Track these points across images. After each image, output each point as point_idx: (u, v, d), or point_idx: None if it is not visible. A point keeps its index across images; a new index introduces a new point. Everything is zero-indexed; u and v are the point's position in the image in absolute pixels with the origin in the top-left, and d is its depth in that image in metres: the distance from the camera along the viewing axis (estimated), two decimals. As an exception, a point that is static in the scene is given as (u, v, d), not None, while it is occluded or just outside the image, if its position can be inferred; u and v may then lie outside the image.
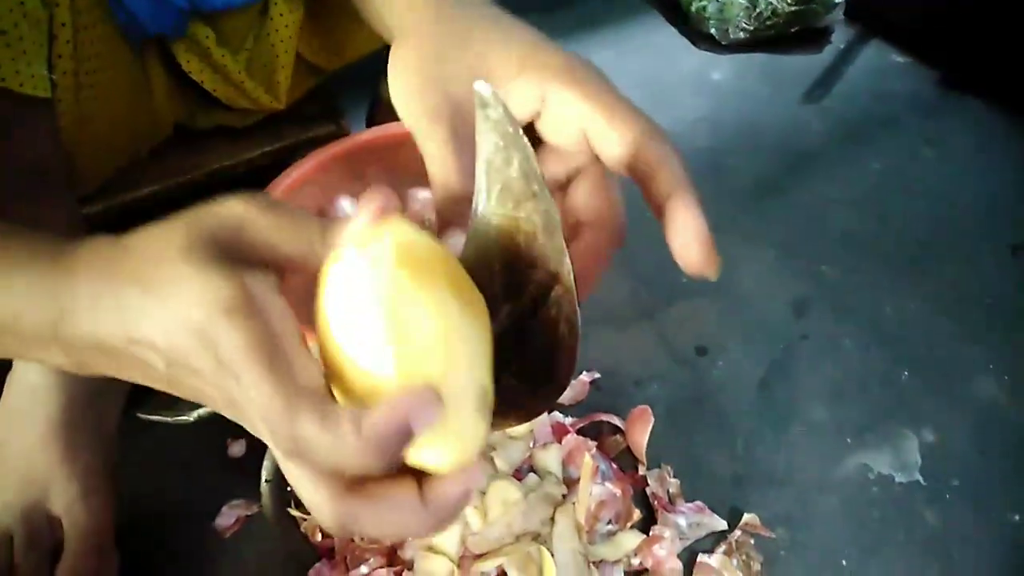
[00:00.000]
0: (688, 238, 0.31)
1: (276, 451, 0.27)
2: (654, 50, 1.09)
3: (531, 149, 0.29)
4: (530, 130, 0.36)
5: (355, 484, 0.28)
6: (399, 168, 0.78)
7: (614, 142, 0.33)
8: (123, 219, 0.76)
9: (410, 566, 0.54)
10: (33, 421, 0.55)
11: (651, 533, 0.58)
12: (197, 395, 0.28)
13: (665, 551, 0.57)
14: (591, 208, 0.35)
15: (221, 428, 0.63)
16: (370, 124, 0.92)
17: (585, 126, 0.34)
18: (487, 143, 0.30)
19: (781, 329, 0.74)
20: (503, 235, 0.31)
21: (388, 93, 0.96)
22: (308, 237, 0.29)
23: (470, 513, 0.55)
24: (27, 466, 0.54)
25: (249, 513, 0.61)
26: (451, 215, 0.34)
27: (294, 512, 0.55)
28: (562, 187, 0.39)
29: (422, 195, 0.77)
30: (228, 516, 0.60)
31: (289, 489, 0.55)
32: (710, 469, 0.64)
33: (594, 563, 0.56)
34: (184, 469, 0.63)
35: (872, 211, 0.85)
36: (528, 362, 0.33)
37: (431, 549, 0.54)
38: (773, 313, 0.75)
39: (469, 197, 0.33)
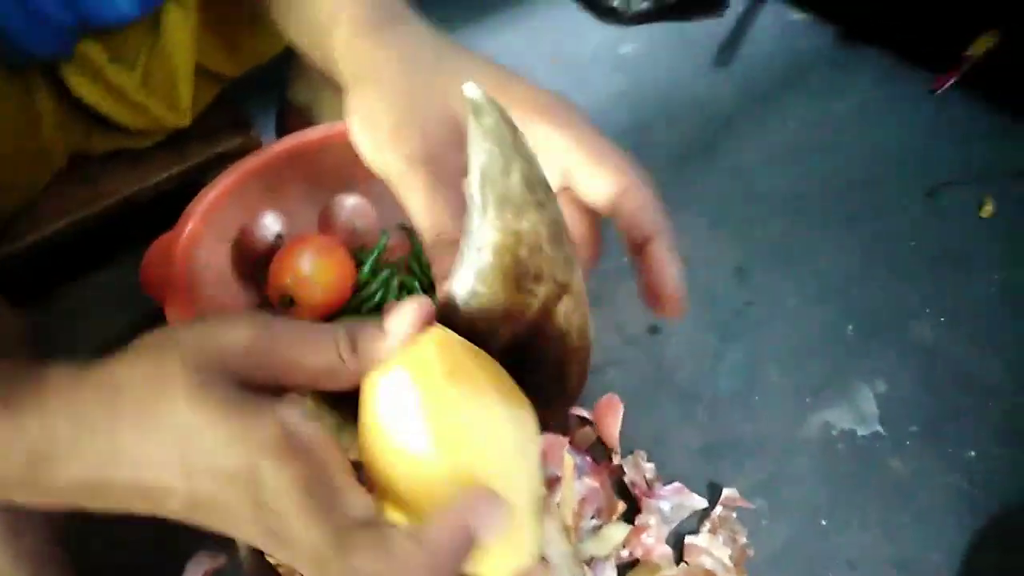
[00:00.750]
0: (661, 283, 0.33)
1: None
2: (560, 28, 1.07)
3: (534, 155, 0.28)
4: None
5: None
6: (320, 175, 0.74)
7: (600, 186, 0.34)
8: (31, 263, 0.70)
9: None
10: None
11: (636, 523, 0.58)
12: (225, 529, 0.26)
13: (653, 539, 0.57)
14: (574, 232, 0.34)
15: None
16: (281, 130, 0.87)
17: (569, 166, 0.34)
18: (481, 152, 0.28)
19: (727, 297, 0.74)
20: (503, 250, 0.29)
21: (298, 97, 0.91)
22: (332, 348, 0.28)
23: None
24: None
25: (216, 567, 0.57)
26: (448, 262, 0.32)
27: (273, 560, 0.52)
28: None
29: (349, 201, 0.74)
30: (195, 571, 0.57)
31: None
32: (681, 446, 0.64)
33: (585, 562, 0.55)
34: (137, 530, 0.58)
35: (793, 169, 0.87)
36: (537, 375, 0.31)
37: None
38: (717, 282, 0.76)
39: (457, 239, 0.31)
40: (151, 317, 0.71)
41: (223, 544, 0.57)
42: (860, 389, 0.68)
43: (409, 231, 0.76)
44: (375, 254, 0.73)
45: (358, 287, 0.71)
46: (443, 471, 0.25)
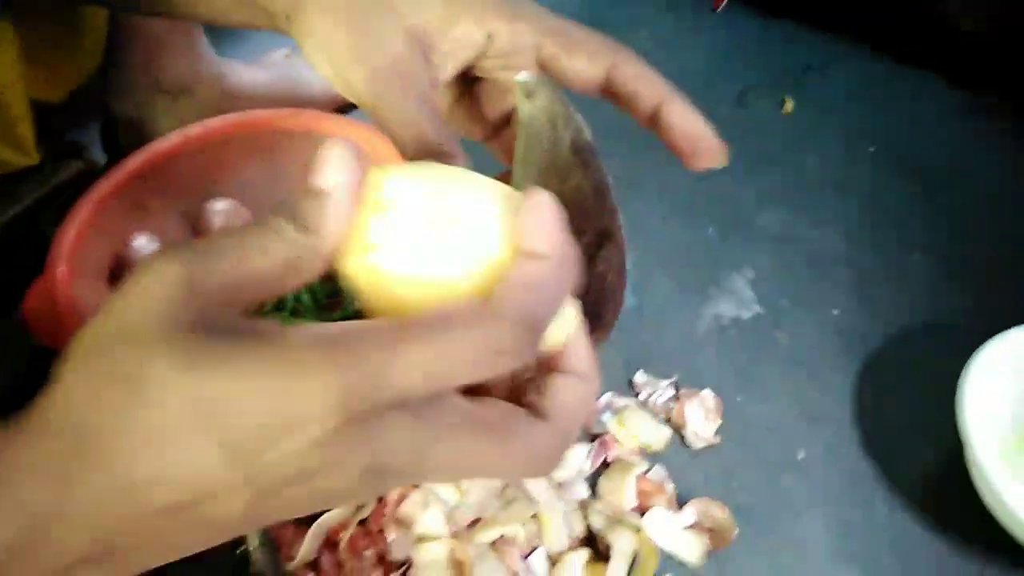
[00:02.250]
0: (695, 135, 0.35)
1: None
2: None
3: (584, 122, 0.30)
4: (465, 73, 0.36)
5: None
6: (179, 186, 0.71)
7: (589, 67, 0.35)
8: None
9: (408, 564, 0.54)
10: None
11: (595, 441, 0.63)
12: (310, 492, 0.22)
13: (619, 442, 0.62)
14: None
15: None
16: (109, 148, 0.81)
17: (544, 56, 0.36)
18: (532, 127, 0.30)
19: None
20: None
21: (121, 109, 0.86)
22: (280, 239, 0.24)
23: (443, 490, 0.55)
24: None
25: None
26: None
27: (290, 567, 0.51)
28: (500, 126, 0.40)
29: (220, 206, 0.72)
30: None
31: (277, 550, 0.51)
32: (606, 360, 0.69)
33: (560, 486, 0.59)
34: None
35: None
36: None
37: (421, 539, 0.54)
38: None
39: (447, 146, 0.33)
40: (35, 360, 0.65)
41: (211, 572, 0.55)
42: (734, 280, 0.76)
43: None
44: None
45: None
46: (467, 285, 0.24)
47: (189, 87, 0.79)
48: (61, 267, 0.61)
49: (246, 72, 0.83)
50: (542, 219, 0.24)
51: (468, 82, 0.38)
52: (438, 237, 0.24)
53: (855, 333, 0.72)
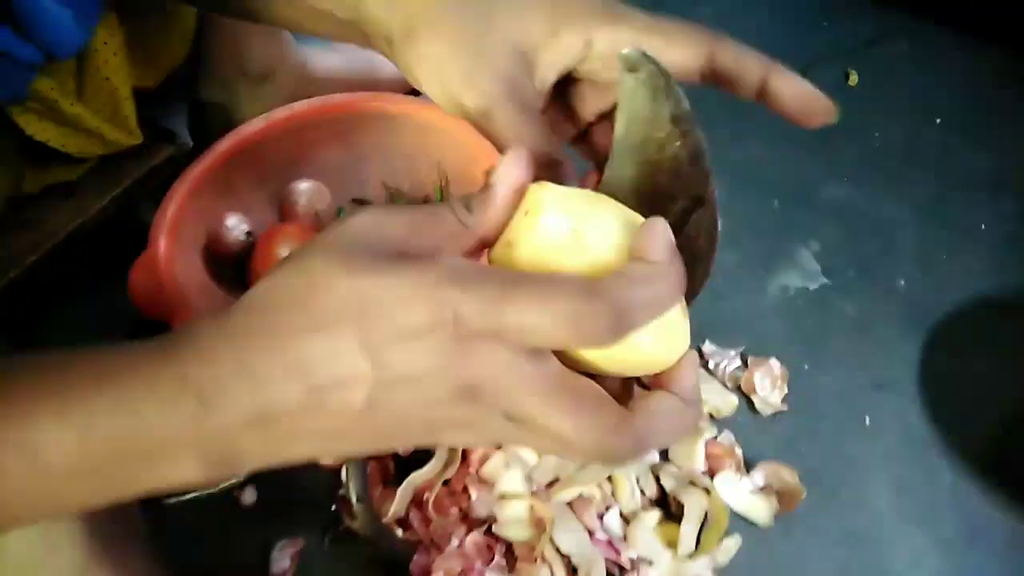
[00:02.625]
0: (805, 97, 0.38)
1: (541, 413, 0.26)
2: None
3: (683, 93, 0.33)
4: (568, 77, 0.38)
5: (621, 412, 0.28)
6: (266, 167, 0.75)
7: (686, 57, 0.37)
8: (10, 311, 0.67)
9: (491, 521, 0.57)
10: (58, 553, 0.49)
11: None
12: (420, 402, 0.26)
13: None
14: None
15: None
16: (195, 131, 0.86)
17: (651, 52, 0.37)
18: (633, 100, 0.33)
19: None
20: (642, 180, 0.34)
21: (212, 95, 0.90)
22: (450, 215, 0.29)
23: (523, 451, 0.59)
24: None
25: (297, 548, 0.59)
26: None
27: (385, 520, 0.55)
28: (592, 124, 0.42)
29: (304, 187, 0.75)
30: (282, 559, 0.59)
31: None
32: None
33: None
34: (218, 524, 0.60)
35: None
36: None
37: (503, 497, 0.57)
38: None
39: (555, 155, 0.35)
40: (138, 331, 0.70)
41: (307, 528, 0.60)
42: (800, 252, 0.78)
43: (363, 203, 0.78)
44: None
45: None
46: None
47: (272, 73, 0.82)
48: (162, 243, 0.65)
49: (323, 56, 0.87)
50: (655, 233, 0.28)
51: (562, 83, 0.40)
52: (565, 243, 0.28)
53: (921, 303, 0.73)
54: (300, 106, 0.75)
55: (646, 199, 0.34)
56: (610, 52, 0.37)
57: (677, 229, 0.35)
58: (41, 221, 0.71)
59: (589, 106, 0.41)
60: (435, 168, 0.74)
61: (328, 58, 0.87)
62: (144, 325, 0.68)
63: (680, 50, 0.37)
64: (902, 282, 0.75)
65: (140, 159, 0.75)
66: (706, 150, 0.35)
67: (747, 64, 0.37)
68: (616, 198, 0.33)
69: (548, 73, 0.38)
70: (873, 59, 0.96)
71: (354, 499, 0.52)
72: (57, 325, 0.73)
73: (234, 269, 0.72)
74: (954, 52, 0.96)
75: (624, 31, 0.36)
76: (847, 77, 0.93)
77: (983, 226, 0.79)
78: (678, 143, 0.34)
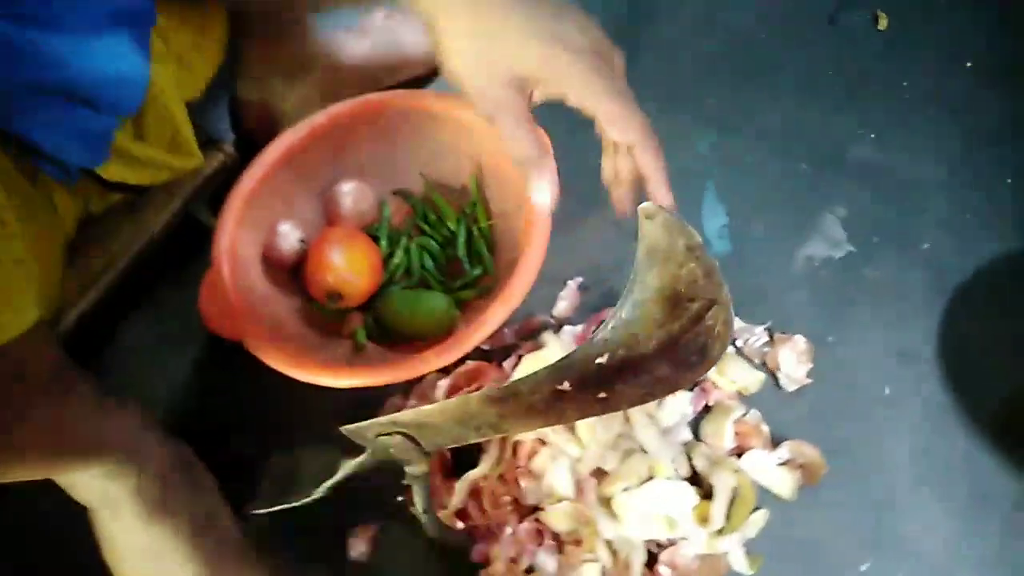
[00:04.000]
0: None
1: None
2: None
3: (696, 235, 0.38)
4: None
5: None
6: (309, 172, 0.79)
7: (618, 136, 0.54)
8: (71, 343, 0.73)
9: (540, 507, 0.64)
10: (169, 574, 0.58)
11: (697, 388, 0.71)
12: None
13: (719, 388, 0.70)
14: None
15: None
16: (238, 130, 0.89)
17: (598, 120, 0.54)
18: (650, 237, 0.38)
19: (697, 171, 0.84)
20: (663, 286, 0.41)
21: (250, 94, 0.94)
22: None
23: (565, 443, 0.65)
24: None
25: (372, 533, 0.68)
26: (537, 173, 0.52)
27: (442, 514, 0.63)
28: None
29: (347, 188, 0.79)
30: (359, 543, 0.67)
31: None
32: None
33: (666, 431, 0.68)
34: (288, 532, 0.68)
35: (708, 31, 0.95)
36: (687, 354, 0.43)
37: (550, 497, 0.64)
38: (684, 160, 0.85)
39: (543, 159, 0.52)
40: (210, 347, 0.77)
41: (378, 515, 0.68)
42: (826, 218, 0.80)
43: (404, 194, 0.82)
44: (385, 227, 0.79)
45: (385, 262, 0.78)
46: None
47: (305, 67, 0.85)
48: (225, 265, 0.71)
49: (351, 43, 0.88)
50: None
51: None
52: None
53: (944, 268, 0.76)
54: (339, 108, 0.78)
55: (670, 301, 0.41)
56: (578, 104, 0.53)
57: (698, 319, 0.41)
58: (108, 240, 0.77)
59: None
60: (471, 162, 0.77)
61: (357, 45, 0.89)
62: (216, 342, 0.75)
63: (616, 133, 0.53)
64: (926, 245, 0.77)
65: (195, 171, 0.80)
66: (717, 267, 0.39)
67: (646, 173, 0.55)
68: (643, 299, 0.42)
69: (535, 99, 0.56)
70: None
71: (420, 510, 0.59)
72: (131, 340, 0.80)
73: (289, 274, 0.78)
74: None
75: (589, 98, 0.52)
76: (876, 20, 0.92)
77: (1009, 180, 0.80)
78: (693, 264, 0.39)
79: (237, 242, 0.73)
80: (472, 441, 0.53)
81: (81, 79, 0.55)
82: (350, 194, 0.79)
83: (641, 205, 0.43)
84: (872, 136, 0.84)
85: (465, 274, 0.77)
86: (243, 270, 0.73)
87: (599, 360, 0.44)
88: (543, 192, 0.52)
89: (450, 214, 0.79)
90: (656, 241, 0.42)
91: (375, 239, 0.79)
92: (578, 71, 0.50)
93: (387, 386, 0.72)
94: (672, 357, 0.42)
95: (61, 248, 0.69)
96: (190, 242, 0.81)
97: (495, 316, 0.65)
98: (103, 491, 0.55)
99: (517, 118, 0.51)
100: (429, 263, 0.78)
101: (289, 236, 0.76)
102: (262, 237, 0.76)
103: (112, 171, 0.66)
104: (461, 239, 0.78)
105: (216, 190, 0.81)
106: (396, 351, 0.74)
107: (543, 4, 0.51)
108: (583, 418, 0.49)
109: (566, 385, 0.45)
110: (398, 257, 0.78)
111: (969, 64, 0.88)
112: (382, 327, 0.75)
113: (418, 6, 0.52)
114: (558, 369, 0.45)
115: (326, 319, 0.76)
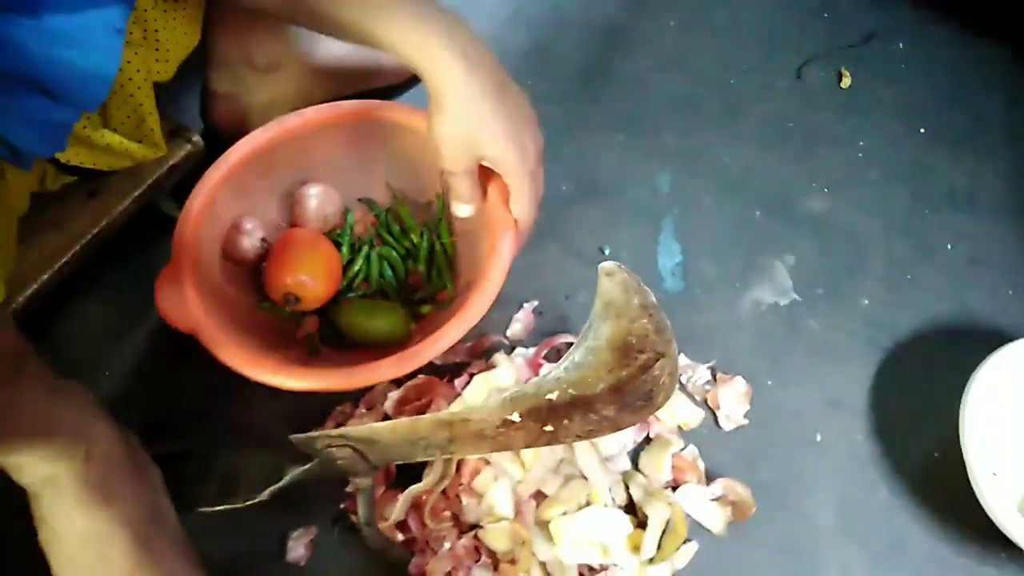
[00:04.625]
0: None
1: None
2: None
3: (651, 294, 0.40)
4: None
5: None
6: (275, 171, 0.79)
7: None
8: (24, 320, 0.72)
9: (479, 525, 0.66)
10: (108, 560, 0.57)
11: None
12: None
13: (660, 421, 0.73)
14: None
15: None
16: (206, 120, 0.89)
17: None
18: (608, 293, 0.40)
19: (655, 208, 0.87)
20: (615, 337, 0.43)
21: (221, 85, 0.93)
22: None
23: (509, 464, 0.67)
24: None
25: (311, 537, 0.68)
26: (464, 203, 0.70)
27: (382, 526, 0.64)
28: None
29: (314, 191, 0.80)
30: (298, 547, 0.68)
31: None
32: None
33: (607, 459, 0.70)
34: (227, 534, 0.68)
35: (680, 69, 0.97)
36: (634, 398, 0.45)
37: (491, 515, 0.66)
38: (645, 196, 0.87)
39: (481, 210, 0.71)
40: (162, 338, 0.77)
41: (317, 521, 0.68)
42: (775, 266, 0.83)
43: (370, 203, 0.83)
44: (348, 234, 0.80)
45: (344, 268, 0.78)
46: None
47: (279, 63, 0.85)
48: (185, 257, 0.71)
49: (328, 45, 0.89)
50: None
51: None
52: None
53: (881, 323, 0.80)
54: (311, 112, 0.78)
55: (620, 351, 0.43)
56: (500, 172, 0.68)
57: (646, 369, 0.43)
58: (66, 221, 0.76)
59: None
60: (438, 177, 0.79)
61: (333, 47, 0.89)
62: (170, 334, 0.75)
63: (515, 207, 0.68)
64: (866, 301, 0.81)
65: (160, 159, 0.79)
66: (668, 326, 0.42)
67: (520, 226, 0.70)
68: (596, 346, 0.43)
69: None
70: (868, 58, 0.98)
71: (362, 521, 0.60)
72: (81, 324, 0.79)
73: (248, 272, 0.78)
74: (949, 52, 0.99)
75: (513, 178, 0.67)
76: (840, 78, 0.96)
77: (950, 246, 0.84)
78: (646, 320, 0.41)
79: (199, 236, 0.73)
80: (419, 459, 0.54)
81: (44, 69, 0.54)
82: (316, 197, 0.79)
83: (602, 265, 0.46)
84: (825, 190, 0.88)
85: (424, 288, 0.78)
86: (202, 264, 0.73)
87: (549, 396, 0.45)
88: (463, 211, 0.71)
89: (414, 227, 0.80)
90: (613, 297, 0.44)
91: (337, 245, 0.79)
92: (515, 159, 0.66)
93: (336, 393, 0.73)
94: (618, 400, 0.45)
95: (13, 224, 0.68)
96: (151, 231, 0.81)
97: (452, 331, 0.66)
98: (47, 473, 0.55)
99: (472, 182, 0.69)
100: (388, 273, 0.79)
101: (252, 234, 0.76)
102: (223, 233, 0.76)
103: (70, 155, 0.66)
104: (423, 252, 0.79)
105: (181, 180, 0.80)
106: (349, 358, 0.74)
107: (507, 95, 0.65)
108: (529, 447, 0.51)
109: (516, 416, 0.47)
110: (358, 264, 0.79)
111: (923, 130, 0.92)
112: (337, 333, 0.76)
113: (428, 84, 0.63)
114: (510, 401, 0.47)
115: (281, 321, 0.76)
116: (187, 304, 0.68)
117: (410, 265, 0.80)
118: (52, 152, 0.60)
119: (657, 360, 0.44)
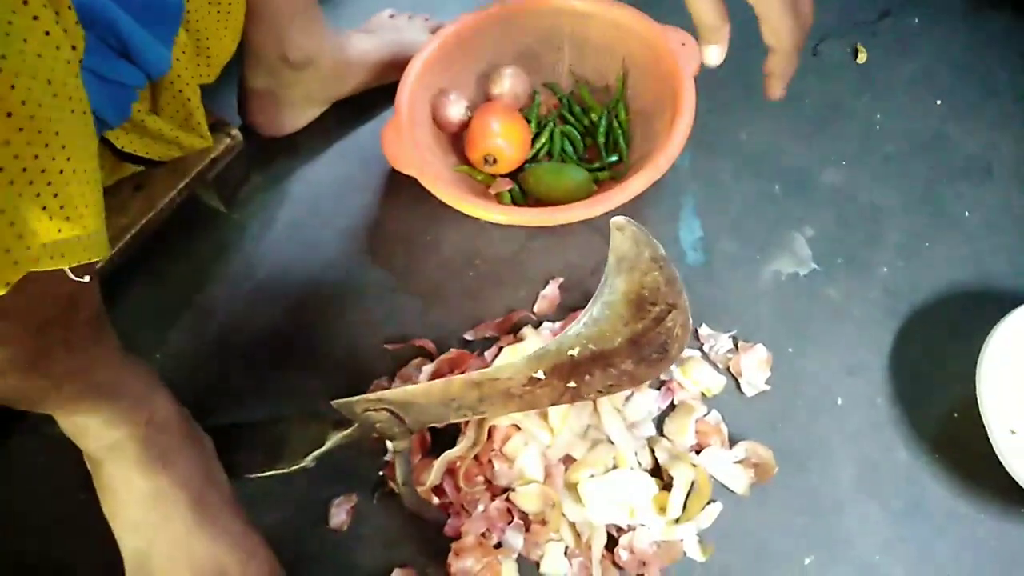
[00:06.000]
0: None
1: None
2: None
3: (660, 247, 0.43)
4: None
5: None
6: (475, 53, 0.91)
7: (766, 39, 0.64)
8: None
9: (510, 488, 0.69)
10: (169, 520, 0.62)
11: (663, 388, 0.76)
12: None
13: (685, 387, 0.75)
14: None
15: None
16: (244, 113, 0.93)
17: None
18: (620, 247, 0.43)
19: (676, 185, 0.89)
20: (629, 290, 0.45)
21: (257, 82, 0.98)
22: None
23: (538, 430, 0.70)
24: (188, 559, 0.61)
25: (352, 504, 0.72)
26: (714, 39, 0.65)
27: (420, 490, 0.67)
28: None
29: (508, 72, 0.91)
30: (339, 513, 0.72)
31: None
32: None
33: (632, 425, 0.73)
34: (274, 501, 0.72)
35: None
36: (649, 351, 0.47)
37: (522, 479, 0.69)
38: (665, 174, 0.90)
39: (722, 26, 0.65)
40: (202, 322, 0.81)
41: (356, 487, 0.72)
42: (794, 238, 0.85)
43: (553, 87, 0.95)
44: (535, 112, 0.92)
45: (532, 141, 0.89)
46: None
47: (313, 60, 0.89)
48: (404, 113, 0.82)
49: (358, 40, 0.93)
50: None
51: None
52: None
53: (899, 291, 0.81)
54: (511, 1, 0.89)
55: (635, 304, 0.46)
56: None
57: (659, 321, 0.46)
58: (113, 214, 0.81)
59: None
60: (620, 61, 0.88)
61: (363, 41, 0.93)
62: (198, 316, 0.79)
63: (765, 32, 0.64)
64: (884, 270, 0.83)
65: (200, 153, 0.83)
66: (678, 277, 0.44)
67: (768, 70, 0.69)
68: (612, 300, 0.46)
69: None
70: (884, 34, 0.99)
71: (400, 482, 0.64)
72: (133, 310, 0.84)
73: (450, 138, 0.91)
74: (964, 25, 1.00)
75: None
76: (856, 54, 0.97)
77: (967, 213, 0.86)
78: (656, 272, 0.44)
79: (415, 98, 0.84)
80: (452, 421, 0.58)
81: (122, 27, 0.58)
82: (510, 76, 0.90)
83: (613, 219, 0.48)
84: (843, 163, 0.90)
85: (602, 159, 0.88)
86: (417, 122, 0.84)
87: (571, 352, 0.49)
88: (713, 55, 0.65)
89: (595, 106, 0.91)
90: (624, 251, 0.47)
91: (527, 120, 0.90)
92: None
93: (372, 370, 0.77)
94: (635, 353, 0.48)
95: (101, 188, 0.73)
96: (195, 221, 0.85)
97: (639, 181, 0.75)
98: (111, 438, 0.59)
99: (718, 5, 0.64)
100: (569, 148, 0.90)
101: (458, 103, 0.87)
102: (432, 100, 0.87)
103: (125, 140, 0.70)
104: (602, 128, 0.89)
105: (222, 173, 0.85)
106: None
107: None
108: (554, 404, 0.54)
109: (540, 373, 0.50)
110: (543, 139, 0.89)
111: (939, 102, 0.94)
112: (526, 194, 0.86)
113: None
114: (534, 358, 0.50)
115: (474, 181, 0.88)
116: (411, 150, 0.79)
117: (588, 141, 0.91)
118: (119, 120, 0.64)
119: (669, 312, 0.47)
